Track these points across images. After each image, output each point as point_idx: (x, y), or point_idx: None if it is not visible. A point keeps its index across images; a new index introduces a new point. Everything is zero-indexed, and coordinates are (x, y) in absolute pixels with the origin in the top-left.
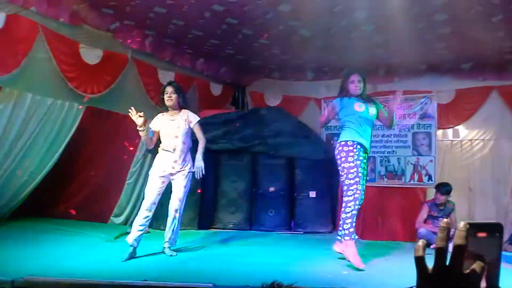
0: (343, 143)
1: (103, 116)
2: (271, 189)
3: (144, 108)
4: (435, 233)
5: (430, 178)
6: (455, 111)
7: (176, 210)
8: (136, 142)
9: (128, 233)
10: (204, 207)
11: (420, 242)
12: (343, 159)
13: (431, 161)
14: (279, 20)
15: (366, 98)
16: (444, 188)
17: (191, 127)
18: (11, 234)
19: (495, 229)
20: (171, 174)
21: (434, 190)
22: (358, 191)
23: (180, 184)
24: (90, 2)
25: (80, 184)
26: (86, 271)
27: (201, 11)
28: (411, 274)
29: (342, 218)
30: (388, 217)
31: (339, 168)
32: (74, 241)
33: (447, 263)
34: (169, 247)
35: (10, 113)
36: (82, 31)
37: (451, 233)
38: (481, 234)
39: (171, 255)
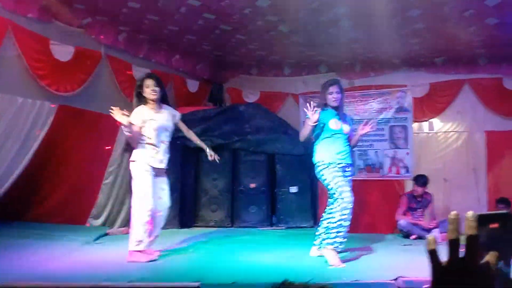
0: (322, 164)
1: (77, 115)
2: (252, 185)
3: (119, 105)
4: (414, 224)
5: (407, 170)
6: (430, 104)
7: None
8: (112, 140)
9: (107, 234)
10: (185, 205)
11: (431, 236)
12: (326, 180)
13: (407, 153)
14: (257, 15)
15: (342, 113)
16: (421, 180)
17: (175, 122)
18: None
19: (505, 219)
20: (157, 170)
21: (411, 182)
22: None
23: (165, 181)
24: None
25: (55, 186)
26: (67, 274)
27: (176, 6)
28: (394, 265)
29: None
30: (367, 210)
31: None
32: (53, 245)
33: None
34: None
35: None
36: (53, 27)
37: (435, 224)
38: (493, 225)
39: None
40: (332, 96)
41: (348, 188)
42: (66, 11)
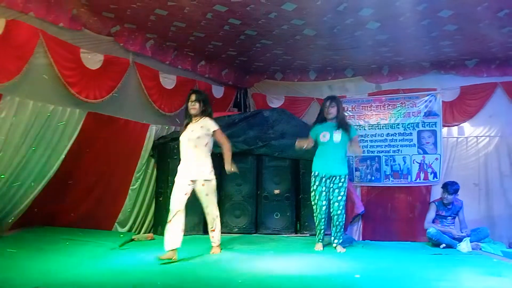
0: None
1: (105, 121)
2: (276, 191)
3: (146, 112)
4: (444, 232)
5: (435, 175)
6: (460, 108)
7: None
8: (139, 147)
9: (133, 240)
10: None
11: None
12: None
13: (436, 159)
14: (282, 19)
15: (339, 123)
16: (452, 188)
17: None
18: (15, 244)
19: None
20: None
21: (439, 188)
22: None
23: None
24: (90, 6)
25: (82, 192)
26: (92, 280)
27: (203, 13)
28: (422, 275)
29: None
30: (394, 217)
31: None
32: (79, 250)
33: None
34: None
35: (11, 121)
36: (83, 36)
37: (465, 232)
38: None
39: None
40: (326, 110)
41: (321, 203)
42: (96, 19)
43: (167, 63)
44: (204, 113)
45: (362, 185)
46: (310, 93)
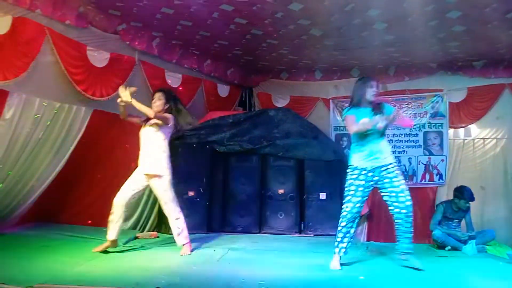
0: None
1: (110, 119)
2: (281, 191)
3: None
4: (449, 235)
5: (441, 177)
6: (467, 110)
7: None
8: None
9: (137, 237)
10: (212, 210)
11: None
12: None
13: (442, 160)
14: (289, 19)
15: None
16: (467, 194)
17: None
18: (20, 240)
19: None
20: None
21: (445, 190)
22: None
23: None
24: (97, 4)
25: (87, 189)
26: (95, 278)
27: (209, 11)
28: (427, 277)
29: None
30: None
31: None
32: (83, 247)
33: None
34: None
35: (18, 118)
36: (89, 33)
37: (468, 235)
38: None
39: None
40: (373, 90)
41: (356, 199)
42: (102, 17)
43: (173, 61)
44: (168, 111)
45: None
46: (316, 93)
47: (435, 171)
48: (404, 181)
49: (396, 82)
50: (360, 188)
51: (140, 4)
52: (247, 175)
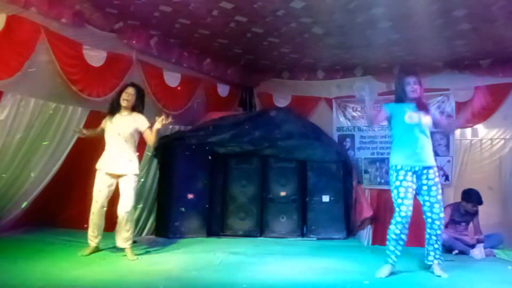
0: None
1: None
2: (282, 193)
3: (150, 110)
4: (457, 238)
5: (447, 178)
6: (474, 110)
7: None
8: (141, 147)
9: (135, 242)
10: (212, 213)
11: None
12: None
13: (448, 161)
14: (291, 17)
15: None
16: (475, 199)
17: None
18: (15, 244)
19: None
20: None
21: (451, 191)
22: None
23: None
24: (93, 2)
25: (83, 192)
26: (92, 283)
27: (208, 9)
28: (434, 282)
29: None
30: None
31: None
32: (79, 252)
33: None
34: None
35: (12, 119)
36: (86, 32)
37: (479, 238)
38: None
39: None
40: (410, 87)
41: (408, 201)
42: (99, 15)
43: (171, 60)
44: (135, 108)
45: (372, 188)
46: (318, 93)
47: (441, 172)
48: (441, 191)
49: None
50: (410, 190)
51: (138, 2)
52: (247, 177)
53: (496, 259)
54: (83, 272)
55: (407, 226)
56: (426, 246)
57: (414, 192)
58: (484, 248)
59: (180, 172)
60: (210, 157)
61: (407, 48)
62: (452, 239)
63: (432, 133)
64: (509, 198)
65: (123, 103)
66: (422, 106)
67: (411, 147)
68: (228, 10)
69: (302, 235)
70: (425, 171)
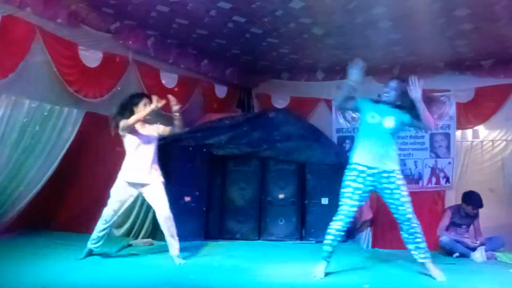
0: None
1: (104, 122)
2: (281, 196)
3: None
4: (457, 241)
5: (447, 180)
6: (475, 111)
7: None
8: None
9: (130, 245)
10: (210, 216)
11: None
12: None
13: (449, 163)
14: (290, 17)
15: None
16: (476, 201)
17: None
18: (9, 248)
19: None
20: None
21: (453, 194)
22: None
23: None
24: (89, 2)
25: (79, 194)
26: (89, 286)
27: (206, 9)
28: (434, 286)
29: None
30: None
31: None
32: (75, 255)
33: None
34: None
35: (7, 121)
36: (81, 32)
37: (480, 241)
38: None
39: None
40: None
41: (352, 202)
42: (95, 15)
43: (168, 61)
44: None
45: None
46: (318, 94)
47: (441, 174)
48: (406, 193)
49: None
50: (358, 191)
51: (135, 2)
52: (246, 179)
53: (497, 262)
54: (77, 276)
55: (346, 227)
56: (407, 247)
57: (365, 194)
58: (485, 251)
59: (177, 174)
60: (207, 159)
61: (408, 48)
62: (453, 242)
63: (432, 134)
64: (510, 201)
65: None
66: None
67: (372, 149)
68: (226, 10)
69: (301, 238)
70: (385, 175)
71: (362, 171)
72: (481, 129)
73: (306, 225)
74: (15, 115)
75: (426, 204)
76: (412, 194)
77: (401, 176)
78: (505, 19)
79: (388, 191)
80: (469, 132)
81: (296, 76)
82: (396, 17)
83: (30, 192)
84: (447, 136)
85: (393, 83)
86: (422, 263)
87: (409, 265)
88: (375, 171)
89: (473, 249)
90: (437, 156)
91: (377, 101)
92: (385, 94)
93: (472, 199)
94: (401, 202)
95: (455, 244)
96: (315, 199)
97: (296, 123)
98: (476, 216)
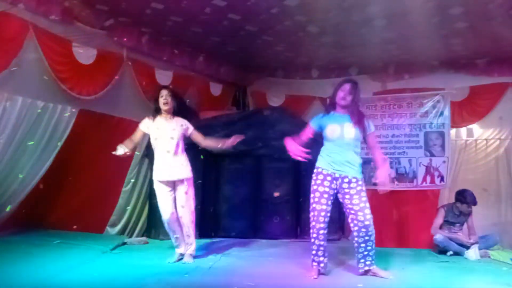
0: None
1: (97, 120)
2: (276, 194)
3: (141, 110)
4: (451, 239)
5: (442, 179)
6: (470, 109)
7: None
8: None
9: (125, 243)
10: (205, 214)
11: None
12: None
13: (444, 162)
14: (285, 15)
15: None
16: (470, 200)
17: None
18: (2, 246)
19: None
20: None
21: (447, 192)
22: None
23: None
24: None
25: (73, 192)
26: (81, 286)
27: (201, 7)
28: (428, 284)
29: None
30: (399, 222)
31: None
32: (69, 254)
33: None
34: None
35: None
36: (75, 29)
37: (474, 239)
38: None
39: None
40: (341, 95)
41: (321, 206)
42: (89, 12)
43: (163, 59)
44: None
45: (366, 188)
46: (313, 92)
47: (436, 173)
48: (365, 199)
49: (396, 80)
50: (325, 195)
51: None
52: (241, 177)
53: (490, 260)
54: (72, 275)
55: (321, 232)
56: (356, 254)
57: (331, 197)
58: (479, 249)
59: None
60: (202, 157)
61: (403, 46)
62: (447, 240)
63: (427, 133)
64: (504, 199)
65: (164, 107)
66: (354, 117)
67: (334, 156)
68: (221, 7)
69: (296, 236)
70: (346, 180)
71: (327, 175)
72: (475, 127)
73: (301, 223)
74: (8, 112)
75: (420, 202)
76: (406, 192)
77: (361, 182)
78: (500, 18)
79: (348, 196)
80: (463, 131)
81: (291, 74)
82: (391, 15)
83: (23, 190)
84: (442, 134)
85: (350, 87)
86: (368, 270)
87: (400, 263)
88: (336, 175)
89: (467, 247)
90: (432, 155)
91: (332, 109)
92: (341, 98)
93: (466, 197)
94: (360, 208)
95: (449, 242)
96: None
97: (291, 121)
98: (469, 214)
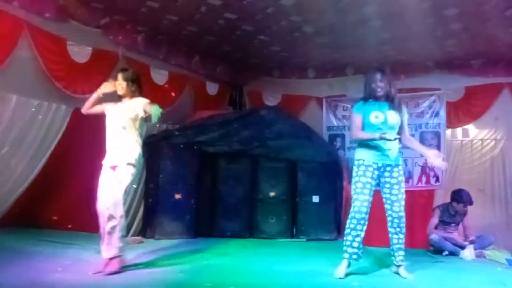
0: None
1: (92, 118)
2: (272, 194)
3: None
4: (446, 239)
5: (437, 179)
6: (465, 110)
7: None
8: None
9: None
10: (200, 214)
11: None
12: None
13: None
14: (281, 15)
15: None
16: (466, 199)
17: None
18: None
19: None
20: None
21: (442, 193)
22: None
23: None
24: None
25: (68, 192)
26: (73, 286)
27: (197, 6)
28: (423, 284)
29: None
30: None
31: None
32: (62, 253)
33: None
34: None
35: None
36: (70, 27)
37: (470, 239)
38: None
39: None
40: (376, 85)
41: (364, 197)
42: (84, 10)
43: (159, 57)
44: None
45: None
46: (309, 92)
47: (431, 173)
48: (404, 190)
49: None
50: (368, 186)
51: None
52: (236, 177)
53: (486, 260)
54: (63, 275)
55: (362, 222)
56: (391, 246)
57: (373, 188)
58: (474, 249)
59: (168, 171)
60: (198, 157)
61: (398, 47)
62: (443, 240)
63: (422, 133)
64: (499, 200)
65: (119, 91)
66: (393, 105)
67: (377, 144)
68: (217, 7)
69: (292, 236)
70: (388, 169)
71: (369, 165)
72: (471, 128)
73: (297, 223)
74: (2, 110)
75: (416, 203)
76: None
77: (402, 172)
78: (494, 19)
79: (388, 185)
80: (459, 131)
81: (287, 74)
82: (386, 16)
83: (16, 190)
84: (437, 134)
85: (382, 76)
86: (399, 266)
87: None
88: (379, 164)
89: (462, 247)
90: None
91: (367, 100)
92: (376, 87)
93: (462, 197)
94: (398, 199)
95: (445, 242)
96: (306, 197)
97: (287, 121)
98: (465, 214)
